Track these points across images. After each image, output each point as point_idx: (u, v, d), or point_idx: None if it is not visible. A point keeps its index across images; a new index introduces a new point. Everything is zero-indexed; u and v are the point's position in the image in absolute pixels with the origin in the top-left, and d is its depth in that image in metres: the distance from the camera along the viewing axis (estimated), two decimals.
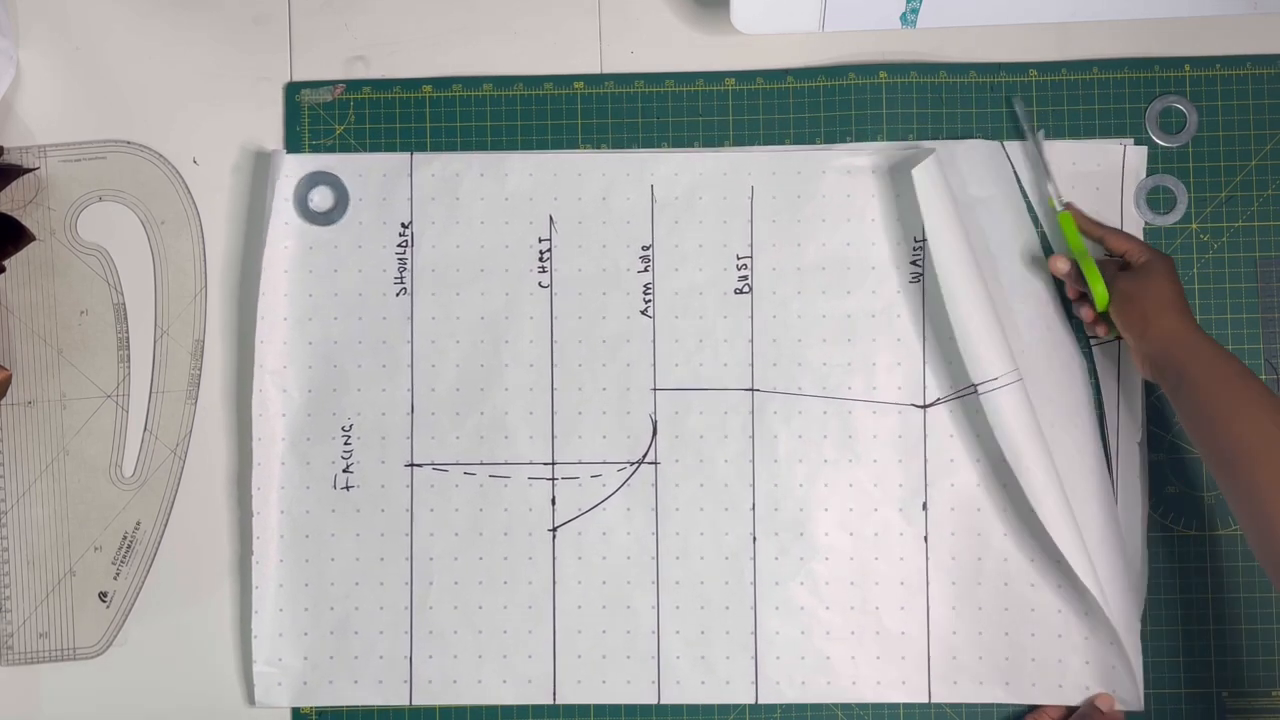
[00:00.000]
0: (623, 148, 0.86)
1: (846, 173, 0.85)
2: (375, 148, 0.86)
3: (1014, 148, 0.84)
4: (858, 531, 0.83)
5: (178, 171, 0.86)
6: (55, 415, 0.86)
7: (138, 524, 0.85)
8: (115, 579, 0.85)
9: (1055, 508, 0.79)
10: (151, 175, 0.86)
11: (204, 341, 0.86)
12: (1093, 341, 0.83)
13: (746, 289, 0.85)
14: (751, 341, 0.84)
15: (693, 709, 0.83)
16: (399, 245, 0.85)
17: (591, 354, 0.85)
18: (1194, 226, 0.84)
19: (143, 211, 0.86)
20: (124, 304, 0.86)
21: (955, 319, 0.80)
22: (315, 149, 0.86)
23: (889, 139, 0.85)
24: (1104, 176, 0.84)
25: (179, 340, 0.86)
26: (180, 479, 0.86)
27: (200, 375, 0.86)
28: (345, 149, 0.86)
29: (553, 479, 0.84)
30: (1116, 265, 0.81)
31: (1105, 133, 0.84)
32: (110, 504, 0.86)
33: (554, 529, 0.84)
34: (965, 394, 0.83)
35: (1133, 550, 0.82)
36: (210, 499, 0.85)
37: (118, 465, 0.86)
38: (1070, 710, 0.82)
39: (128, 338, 0.86)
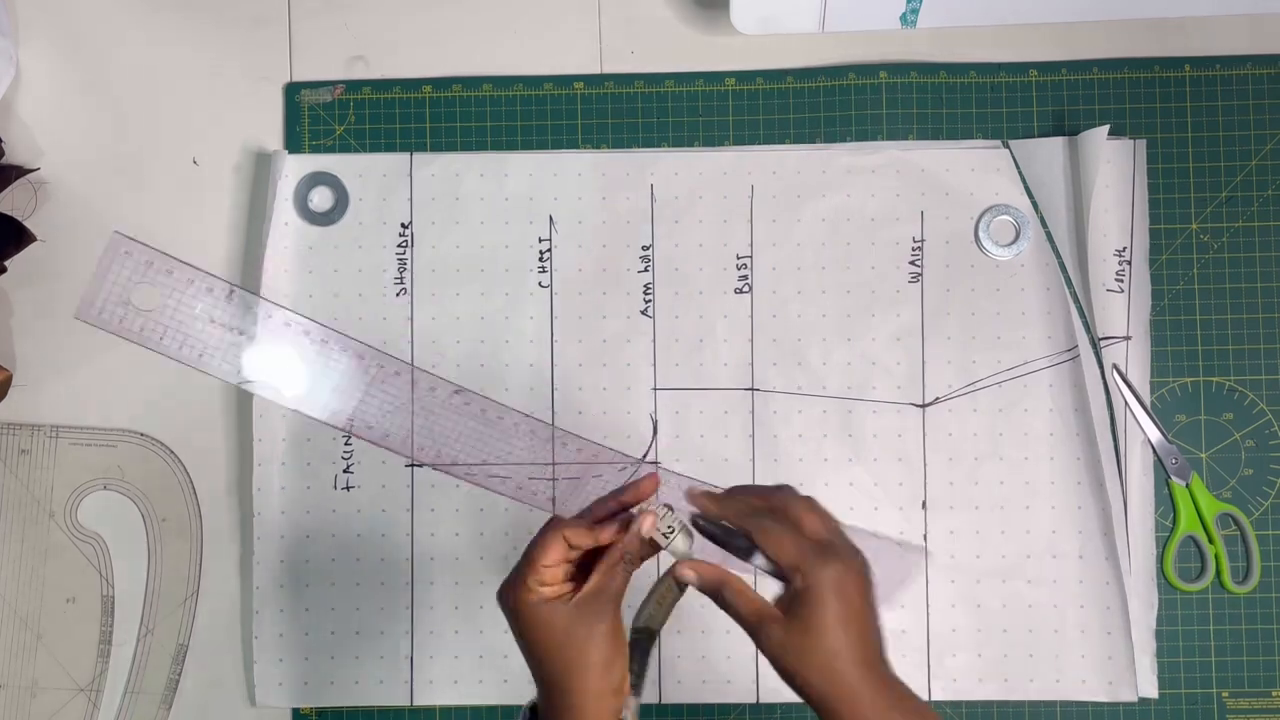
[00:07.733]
0: (623, 148, 0.86)
1: (846, 172, 0.85)
2: (375, 148, 0.86)
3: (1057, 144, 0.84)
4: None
5: (185, 469, 0.85)
6: (23, 703, 0.83)
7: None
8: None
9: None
10: (158, 469, 0.85)
11: (188, 647, 0.84)
12: (1103, 342, 0.83)
13: (746, 289, 0.85)
14: (751, 341, 0.84)
15: (693, 708, 0.83)
16: (399, 245, 0.85)
17: (591, 354, 0.85)
18: (1194, 226, 0.84)
19: (145, 506, 0.85)
20: (113, 597, 0.84)
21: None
22: (315, 149, 0.86)
23: (889, 139, 0.85)
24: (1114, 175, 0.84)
25: (163, 643, 0.84)
26: None
27: (179, 681, 0.84)
28: (345, 149, 0.86)
29: (553, 479, 0.84)
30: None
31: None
32: None
33: None
34: (967, 391, 0.83)
35: (1146, 547, 0.83)
36: (210, 499, 0.85)
37: None
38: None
39: (111, 632, 0.84)
